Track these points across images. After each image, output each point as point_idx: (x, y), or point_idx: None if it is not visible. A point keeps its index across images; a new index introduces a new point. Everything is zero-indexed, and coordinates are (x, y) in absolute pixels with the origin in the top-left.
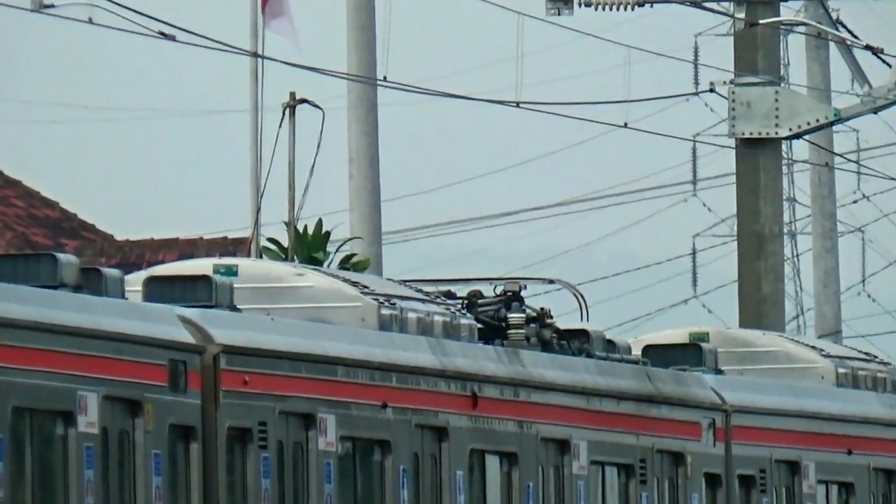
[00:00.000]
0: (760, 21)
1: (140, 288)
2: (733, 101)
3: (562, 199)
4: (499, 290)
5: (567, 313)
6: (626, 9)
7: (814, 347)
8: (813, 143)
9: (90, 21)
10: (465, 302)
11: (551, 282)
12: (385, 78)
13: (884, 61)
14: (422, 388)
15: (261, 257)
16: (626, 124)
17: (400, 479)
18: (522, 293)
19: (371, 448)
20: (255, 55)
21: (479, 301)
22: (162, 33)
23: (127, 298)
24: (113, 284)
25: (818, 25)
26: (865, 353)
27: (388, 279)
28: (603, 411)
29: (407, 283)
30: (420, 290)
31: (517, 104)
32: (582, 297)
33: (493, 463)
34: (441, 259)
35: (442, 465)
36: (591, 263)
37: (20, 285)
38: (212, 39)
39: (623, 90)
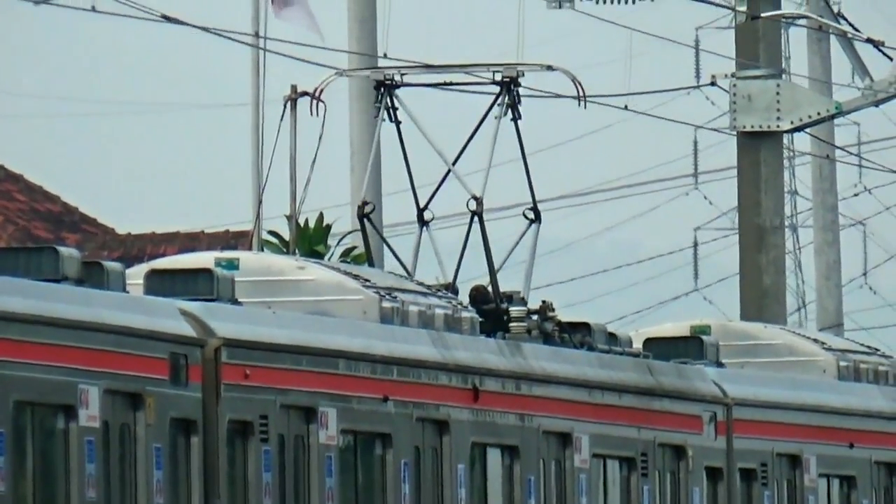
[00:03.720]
0: (762, 14)
1: (141, 281)
2: (734, 94)
3: (563, 192)
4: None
5: (565, 97)
6: (627, 1)
7: (815, 340)
8: (814, 136)
9: (93, 9)
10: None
11: (550, 67)
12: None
13: (885, 54)
14: (423, 382)
15: (262, 250)
16: (626, 106)
17: (401, 473)
18: (520, 80)
19: (372, 441)
20: (256, 44)
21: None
22: (165, 16)
23: (128, 292)
24: (114, 278)
25: (819, 18)
26: (867, 346)
27: (390, 272)
28: (604, 404)
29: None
30: (421, 283)
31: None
32: (579, 83)
33: (494, 456)
34: (442, 252)
35: (443, 458)
36: (592, 256)
37: (22, 279)
38: (213, 31)
39: (624, 83)
